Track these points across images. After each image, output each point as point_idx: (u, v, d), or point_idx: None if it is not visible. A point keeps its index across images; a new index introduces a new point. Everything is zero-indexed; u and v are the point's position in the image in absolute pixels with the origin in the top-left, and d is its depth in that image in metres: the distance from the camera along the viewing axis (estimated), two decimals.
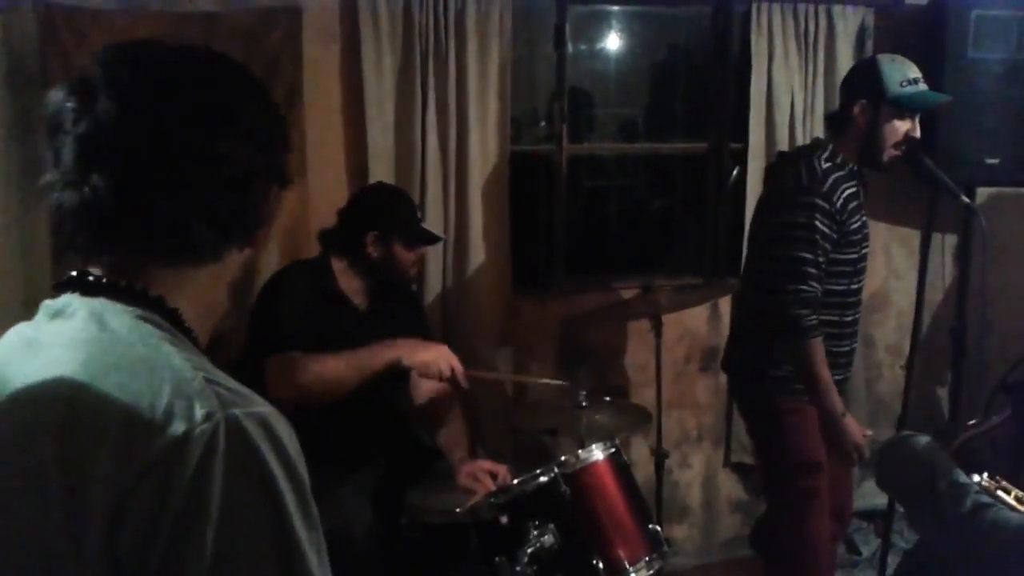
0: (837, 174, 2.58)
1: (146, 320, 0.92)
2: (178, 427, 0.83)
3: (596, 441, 2.36)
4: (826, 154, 2.61)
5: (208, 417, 0.84)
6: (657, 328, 3.04)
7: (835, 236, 2.54)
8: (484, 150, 3.32)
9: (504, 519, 2.22)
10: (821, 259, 2.51)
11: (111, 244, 0.94)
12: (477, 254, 3.33)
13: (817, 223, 2.50)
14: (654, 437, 3.13)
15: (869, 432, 2.65)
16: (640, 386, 3.66)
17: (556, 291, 3.60)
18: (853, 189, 2.61)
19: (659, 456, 2.75)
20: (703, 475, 3.92)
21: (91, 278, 0.94)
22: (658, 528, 2.27)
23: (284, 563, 0.85)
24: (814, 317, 2.51)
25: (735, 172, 3.77)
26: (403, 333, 2.83)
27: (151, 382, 0.86)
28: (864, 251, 2.68)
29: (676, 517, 3.88)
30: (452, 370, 2.52)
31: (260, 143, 0.99)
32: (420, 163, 3.25)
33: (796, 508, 2.71)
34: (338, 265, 2.74)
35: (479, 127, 3.29)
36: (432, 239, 2.83)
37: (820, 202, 2.51)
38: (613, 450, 2.29)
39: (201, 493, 0.82)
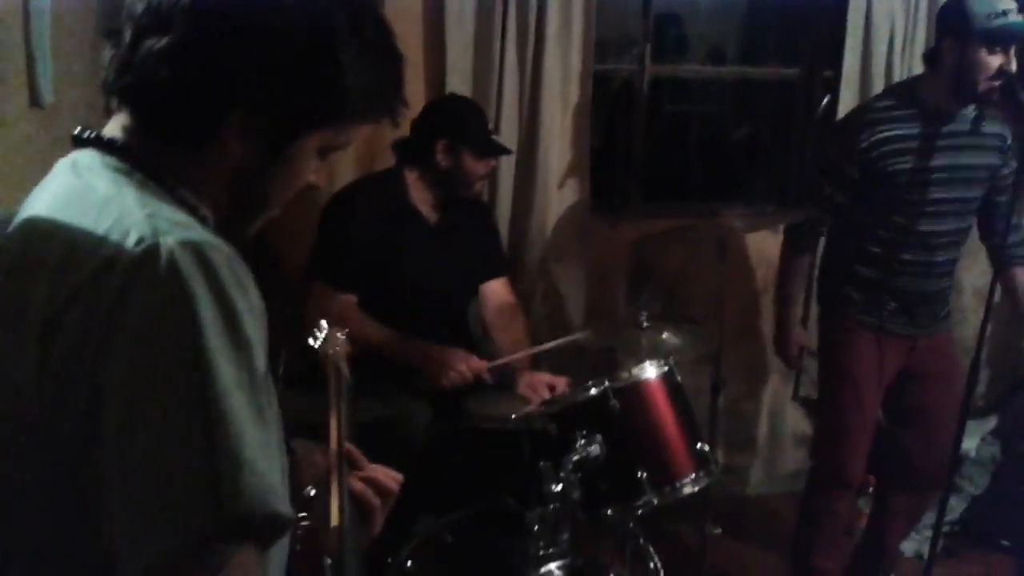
0: (895, 113, 2.59)
1: (123, 173, 0.92)
2: (107, 252, 0.84)
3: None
4: (895, 92, 2.69)
5: (138, 243, 0.83)
6: (729, 257, 3.01)
7: (854, 175, 2.61)
8: (564, 68, 3.27)
9: (553, 428, 2.26)
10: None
11: (122, 106, 0.96)
12: (551, 174, 3.32)
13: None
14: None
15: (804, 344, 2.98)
16: (709, 314, 3.62)
17: (630, 215, 3.58)
18: (913, 130, 2.57)
19: (717, 381, 2.73)
20: (769, 408, 3.89)
21: (86, 134, 0.96)
22: (706, 448, 2.28)
23: (199, 391, 0.80)
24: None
25: (825, 100, 3.65)
26: (473, 248, 2.87)
27: (98, 217, 0.87)
28: (944, 193, 2.61)
29: (738, 447, 3.87)
30: (474, 372, 2.59)
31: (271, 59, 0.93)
32: (498, 79, 3.22)
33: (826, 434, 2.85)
34: (410, 176, 2.77)
35: (560, 45, 3.24)
36: (502, 150, 2.83)
37: (841, 138, 2.66)
38: (666, 369, 2.29)
39: (121, 316, 0.81)
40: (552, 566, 2.13)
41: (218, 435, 0.79)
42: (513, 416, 2.40)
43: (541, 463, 2.11)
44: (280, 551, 0.99)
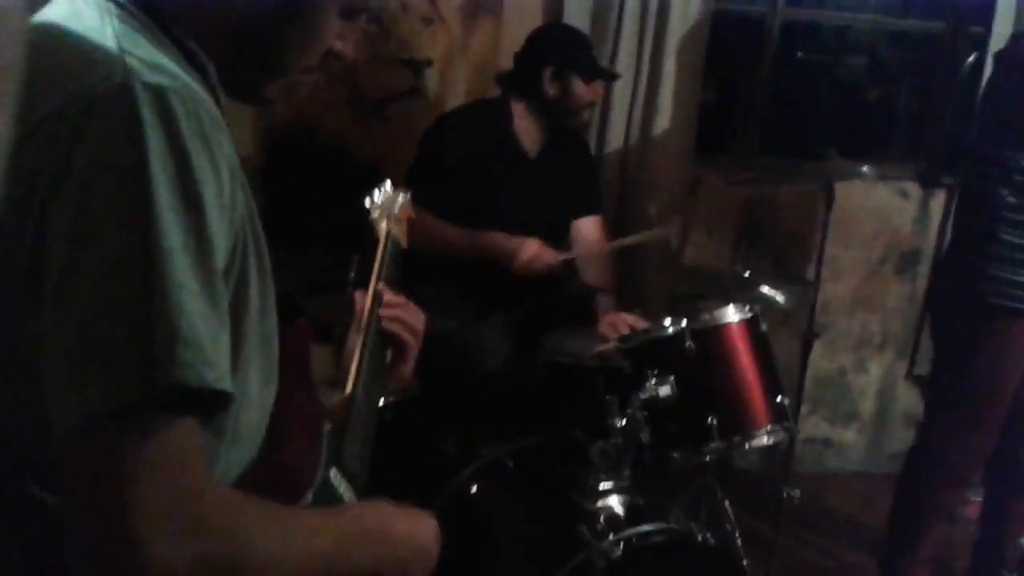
0: None
1: (117, 5, 0.87)
2: (70, 87, 0.79)
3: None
4: None
5: (102, 80, 0.78)
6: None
7: None
8: (686, 4, 3.15)
9: (626, 365, 2.20)
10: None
11: None
12: (663, 115, 3.21)
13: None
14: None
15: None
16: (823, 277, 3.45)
17: (743, 166, 3.43)
18: None
19: (809, 336, 2.59)
20: (880, 383, 3.69)
21: None
22: (786, 402, 2.17)
23: (139, 250, 0.74)
24: None
25: (971, 58, 3.39)
26: (570, 184, 2.82)
27: (72, 50, 0.82)
28: None
29: (842, 420, 3.70)
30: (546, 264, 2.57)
31: None
32: (617, 13, 3.14)
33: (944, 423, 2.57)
34: (516, 107, 2.74)
35: None
36: (610, 76, 2.77)
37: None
38: (750, 315, 2.19)
39: (71, 153, 0.76)
40: (611, 500, 2.08)
41: (155, 299, 0.74)
42: (589, 352, 2.35)
43: (607, 397, 2.06)
44: (249, 428, 0.95)
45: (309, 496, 1.02)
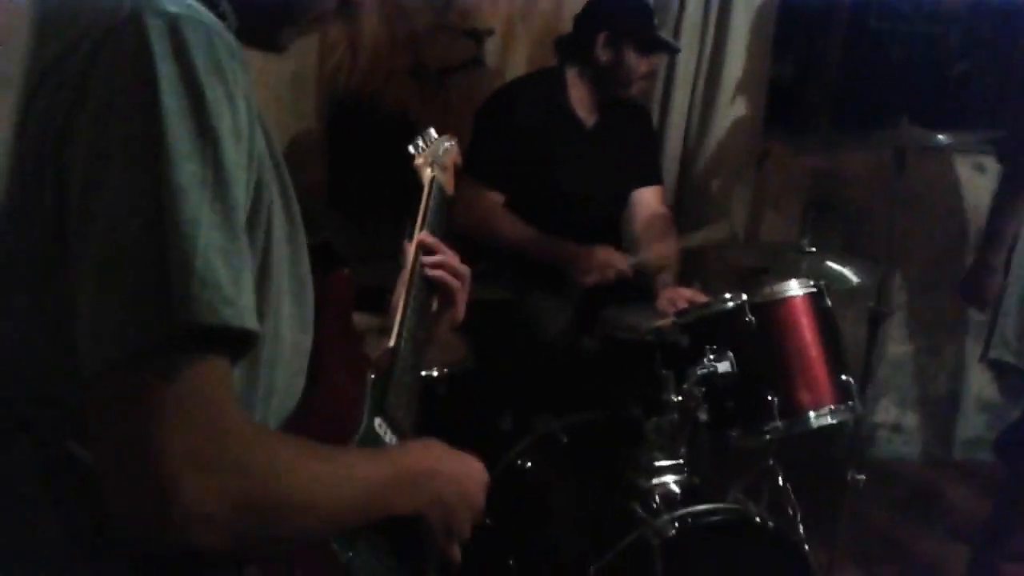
0: None
1: None
2: (81, 21, 0.77)
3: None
4: None
5: (114, 12, 0.75)
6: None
7: None
8: None
9: (684, 340, 2.14)
10: None
11: None
12: (729, 85, 3.12)
13: None
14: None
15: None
16: (899, 257, 3.32)
17: (813, 139, 3.32)
18: None
19: (876, 314, 2.49)
20: (952, 366, 3.56)
21: None
22: (851, 380, 2.08)
23: (150, 186, 0.72)
24: None
25: None
26: (629, 154, 2.77)
27: None
28: None
29: (911, 404, 3.58)
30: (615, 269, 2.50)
31: None
32: None
33: None
34: (570, 74, 2.69)
35: None
36: (667, 47, 2.69)
37: None
38: (814, 290, 2.11)
39: (85, 89, 0.74)
40: (666, 478, 2.03)
41: (169, 237, 0.72)
42: (646, 327, 2.29)
43: (663, 372, 2.00)
44: (286, 376, 0.93)
45: (354, 443, 1.00)
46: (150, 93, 0.73)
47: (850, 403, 2.07)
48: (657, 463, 2.03)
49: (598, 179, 2.69)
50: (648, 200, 2.79)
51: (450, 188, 1.47)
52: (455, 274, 1.29)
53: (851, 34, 3.30)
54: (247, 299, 0.77)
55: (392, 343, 1.18)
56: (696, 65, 3.12)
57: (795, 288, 2.10)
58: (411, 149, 1.45)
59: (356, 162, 3.17)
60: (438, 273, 1.27)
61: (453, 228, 2.64)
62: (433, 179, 1.41)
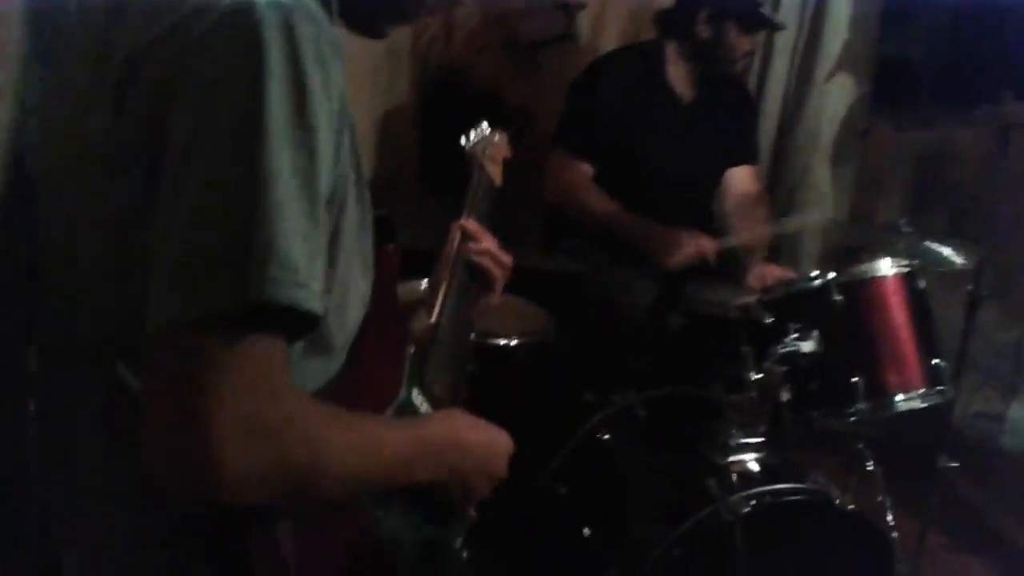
0: None
1: None
2: (192, 2, 0.79)
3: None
4: None
5: None
6: None
7: None
8: None
9: (768, 318, 2.09)
10: None
11: None
12: (828, 60, 3.03)
13: None
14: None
15: None
16: (1005, 241, 3.17)
17: (917, 116, 3.19)
18: None
19: (974, 297, 2.38)
20: None
21: None
22: (942, 364, 2.01)
23: (248, 167, 0.75)
24: None
25: None
26: (726, 131, 2.72)
27: None
28: None
29: (1017, 395, 3.41)
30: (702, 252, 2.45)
31: None
32: None
33: None
34: (669, 49, 2.65)
35: None
36: (770, 24, 2.62)
37: None
38: (907, 270, 2.03)
39: (193, 70, 0.77)
40: (745, 456, 2.00)
41: (256, 216, 0.75)
42: (730, 303, 2.26)
43: (743, 348, 1.97)
44: (342, 342, 0.96)
45: (390, 412, 1.03)
46: (259, 77, 0.76)
47: (941, 388, 2.00)
48: (735, 441, 2.01)
49: (693, 155, 2.65)
50: (742, 179, 2.74)
51: (498, 180, 1.50)
52: (498, 262, 1.33)
53: (959, 6, 3.14)
54: (318, 284, 0.80)
55: (433, 320, 1.22)
56: (795, 38, 3.03)
57: (886, 267, 2.03)
58: (462, 141, 1.47)
59: (448, 136, 3.20)
60: (483, 260, 1.32)
61: (540, 199, 2.67)
62: (482, 169, 1.44)
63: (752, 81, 3.08)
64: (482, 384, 2.02)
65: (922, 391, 1.98)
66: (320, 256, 0.81)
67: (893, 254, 2.21)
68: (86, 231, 0.88)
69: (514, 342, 2.24)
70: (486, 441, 1.09)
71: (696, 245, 2.46)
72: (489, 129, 1.56)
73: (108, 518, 0.92)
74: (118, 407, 0.85)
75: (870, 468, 2.41)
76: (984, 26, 3.37)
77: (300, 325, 0.80)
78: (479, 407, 1.98)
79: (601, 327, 2.52)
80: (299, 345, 0.87)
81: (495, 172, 1.50)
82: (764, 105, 3.07)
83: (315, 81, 0.78)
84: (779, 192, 3.13)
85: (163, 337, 0.77)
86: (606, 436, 2.20)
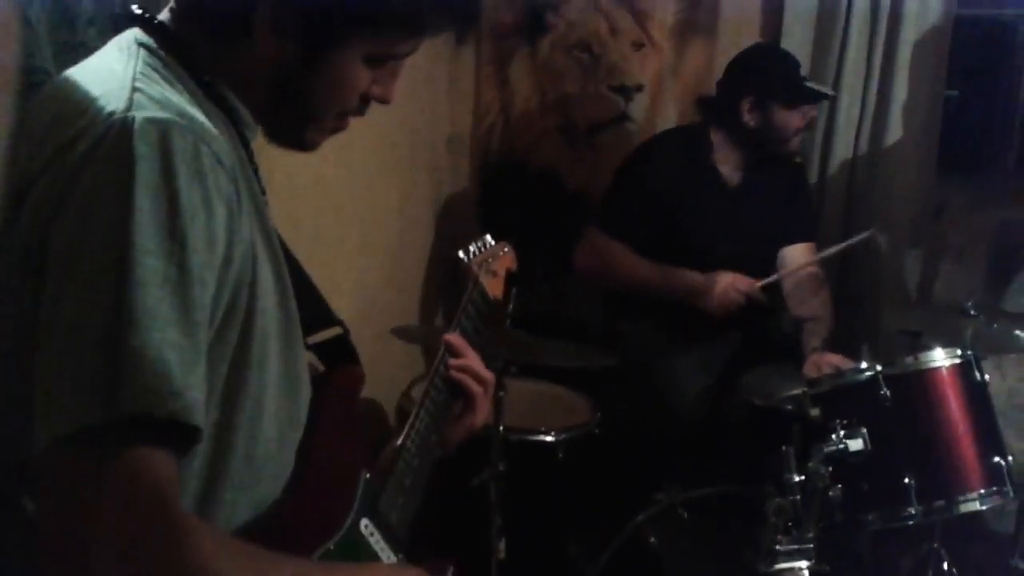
0: None
1: (148, 51, 0.90)
2: (82, 122, 0.82)
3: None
4: None
5: (109, 115, 0.81)
6: None
7: None
8: (923, 13, 2.83)
9: (816, 413, 1.99)
10: None
11: None
12: (895, 132, 2.90)
13: None
14: None
15: None
16: None
17: (998, 184, 3.02)
18: None
19: None
20: None
21: (133, 10, 0.95)
22: (1005, 462, 1.86)
23: (115, 277, 0.76)
24: None
25: None
26: (777, 212, 2.64)
27: (93, 88, 0.86)
28: None
29: None
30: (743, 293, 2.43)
31: None
32: (843, 27, 2.87)
33: None
34: (716, 136, 2.60)
35: None
36: (816, 96, 2.55)
37: None
38: (960, 360, 1.90)
39: (72, 187, 0.79)
40: (792, 565, 1.88)
41: (124, 328, 0.76)
42: (778, 395, 2.15)
43: (783, 448, 1.87)
44: (266, 468, 0.94)
45: (331, 544, 0.99)
46: (127, 191, 0.78)
47: (1004, 489, 1.84)
48: (783, 547, 1.89)
49: (742, 238, 2.58)
50: (797, 259, 2.64)
51: (495, 293, 1.46)
52: (477, 379, 1.26)
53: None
54: (196, 395, 0.79)
55: (399, 442, 1.17)
56: (860, 109, 2.93)
57: (940, 358, 1.91)
58: (460, 254, 1.45)
59: (507, 219, 3.21)
60: (463, 377, 1.25)
61: (577, 278, 2.64)
62: (475, 283, 1.41)
63: (815, 153, 2.98)
64: (516, 483, 1.98)
65: (981, 492, 1.84)
66: (198, 368, 0.80)
67: (958, 339, 2.08)
68: None
69: (553, 437, 2.19)
70: None
71: (733, 281, 2.42)
72: (493, 241, 1.54)
73: None
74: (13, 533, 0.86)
75: (945, 568, 2.24)
76: None
77: (182, 438, 0.79)
78: (514, 507, 1.94)
79: (649, 418, 2.45)
80: (204, 468, 0.86)
81: (493, 285, 1.47)
82: (827, 180, 2.96)
83: (189, 194, 0.80)
84: (847, 274, 2.99)
85: (45, 456, 0.77)
86: (651, 538, 2.11)
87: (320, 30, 0.91)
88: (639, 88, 3.10)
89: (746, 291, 2.44)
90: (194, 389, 0.79)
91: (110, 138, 0.80)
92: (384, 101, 1.00)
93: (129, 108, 0.82)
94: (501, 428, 1.92)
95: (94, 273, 0.77)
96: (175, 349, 0.77)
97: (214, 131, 0.87)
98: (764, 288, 2.48)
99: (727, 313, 2.47)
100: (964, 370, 1.91)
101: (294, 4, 0.90)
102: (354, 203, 2.46)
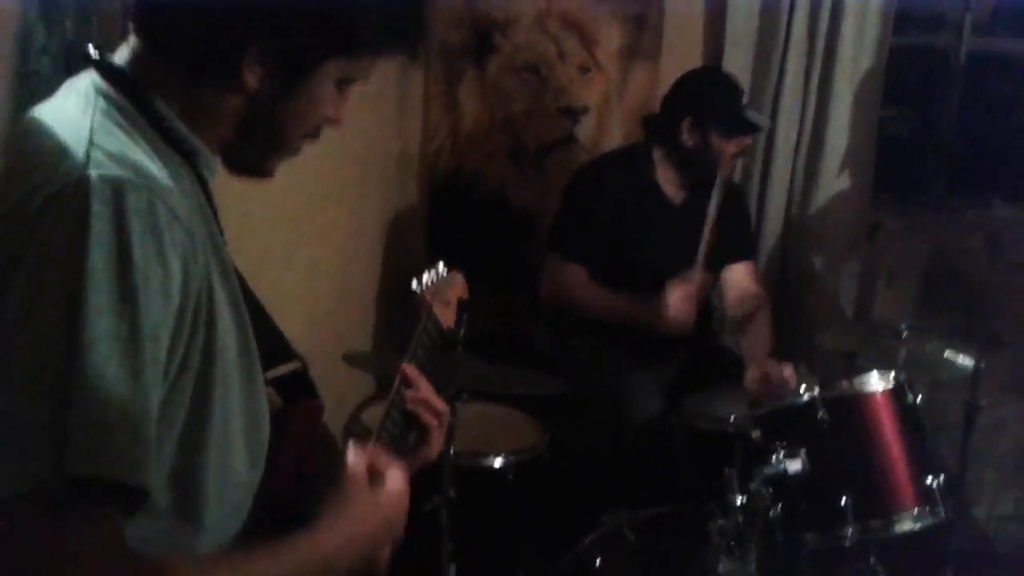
0: None
1: (105, 98, 0.90)
2: (37, 178, 0.81)
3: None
4: None
5: (65, 174, 0.81)
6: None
7: None
8: (859, 40, 2.93)
9: (757, 435, 2.04)
10: None
11: (136, 32, 0.95)
12: (833, 157, 2.99)
13: None
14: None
15: None
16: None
17: (929, 210, 3.13)
18: None
19: (970, 409, 2.27)
20: None
21: (89, 51, 0.94)
22: (935, 484, 1.93)
23: (65, 337, 0.76)
24: None
25: None
26: (720, 231, 2.68)
27: (46, 143, 0.85)
28: None
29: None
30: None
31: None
32: (782, 51, 2.97)
33: None
34: (658, 154, 2.66)
35: (856, 14, 2.91)
36: (752, 128, 2.61)
37: None
38: (893, 384, 1.97)
39: (25, 245, 0.79)
40: None
41: (75, 389, 0.75)
42: (721, 416, 2.21)
43: (725, 470, 1.91)
44: (225, 509, 0.95)
45: None
46: (80, 250, 0.77)
47: (936, 508, 1.91)
48: (725, 568, 1.94)
49: (685, 256, 2.63)
50: (738, 278, 2.71)
51: (448, 323, 1.47)
52: (432, 412, 1.25)
53: (966, 100, 3.10)
54: (144, 456, 0.79)
55: None
56: (797, 135, 3.02)
57: (873, 382, 1.98)
58: (414, 285, 1.47)
59: (455, 238, 3.23)
60: (417, 408, 1.24)
61: (538, 300, 2.67)
62: (429, 314, 1.42)
63: (755, 178, 3.06)
64: (466, 508, 2.00)
65: (915, 511, 1.91)
66: (147, 427, 0.80)
67: (891, 361, 2.16)
68: None
69: (502, 461, 2.20)
70: (372, 524, 1.05)
71: (678, 286, 2.46)
72: (445, 270, 1.55)
73: None
74: None
75: None
76: (995, 115, 3.33)
77: (124, 499, 0.79)
78: (462, 532, 1.95)
79: (597, 442, 2.48)
80: (173, 506, 0.87)
81: (446, 315, 1.49)
82: (768, 203, 3.04)
83: (142, 251, 0.80)
84: (788, 291, 3.07)
85: None
86: (597, 560, 2.14)
87: (304, 58, 0.93)
88: (586, 110, 3.15)
89: (690, 291, 2.48)
90: (142, 450, 0.79)
91: (65, 196, 0.80)
92: (337, 123, 1.02)
93: (86, 165, 0.82)
94: (452, 453, 1.94)
95: (45, 329, 0.77)
96: (124, 409, 0.77)
97: (170, 185, 0.87)
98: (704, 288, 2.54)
99: (687, 329, 2.51)
100: (898, 393, 1.97)
101: (282, 37, 0.91)
102: (303, 221, 2.46)
